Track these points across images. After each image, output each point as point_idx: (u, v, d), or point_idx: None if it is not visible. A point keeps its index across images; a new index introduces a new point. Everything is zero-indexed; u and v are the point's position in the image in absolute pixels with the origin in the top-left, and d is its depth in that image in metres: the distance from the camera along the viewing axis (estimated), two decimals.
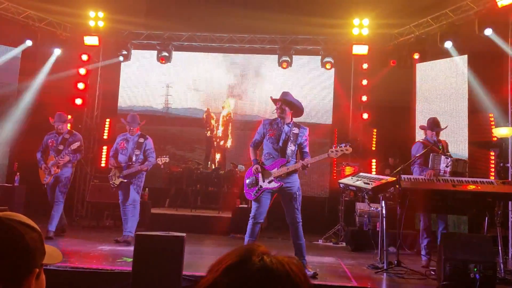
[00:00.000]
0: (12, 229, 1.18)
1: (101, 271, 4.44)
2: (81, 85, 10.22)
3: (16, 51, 9.90)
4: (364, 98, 9.92)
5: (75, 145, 6.69)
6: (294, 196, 4.93)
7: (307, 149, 5.02)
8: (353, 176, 5.93)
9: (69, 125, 7.31)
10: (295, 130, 4.98)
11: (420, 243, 6.04)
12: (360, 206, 7.68)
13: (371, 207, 6.75)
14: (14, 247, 1.16)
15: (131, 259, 4.09)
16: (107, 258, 5.42)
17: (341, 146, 4.95)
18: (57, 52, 10.22)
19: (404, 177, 5.33)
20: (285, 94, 5.11)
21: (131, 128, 6.63)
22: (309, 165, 4.85)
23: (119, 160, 6.58)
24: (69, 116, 7.39)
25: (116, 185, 6.57)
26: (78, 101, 10.16)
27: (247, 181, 5.04)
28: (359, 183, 5.55)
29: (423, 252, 5.89)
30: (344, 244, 7.80)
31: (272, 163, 4.92)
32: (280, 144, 4.92)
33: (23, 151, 8.37)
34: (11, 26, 9.67)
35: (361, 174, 6.00)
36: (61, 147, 6.71)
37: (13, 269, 1.14)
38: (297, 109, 5.11)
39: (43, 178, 6.75)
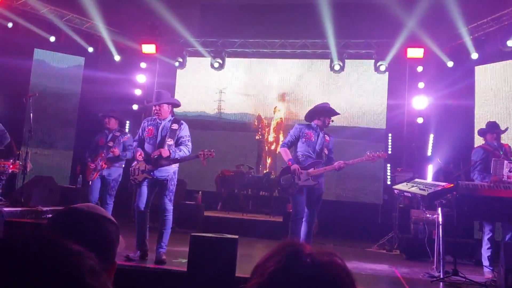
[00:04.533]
0: (98, 215, 1.17)
1: (157, 271, 4.61)
2: (138, 91, 10.66)
3: (80, 59, 10.47)
4: (419, 102, 9.65)
5: (126, 137, 6.38)
6: (320, 197, 5.37)
7: (332, 155, 5.51)
8: (408, 182, 5.81)
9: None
10: (327, 137, 5.48)
11: (482, 253, 5.78)
12: (416, 213, 7.47)
13: (427, 214, 6.55)
14: (101, 233, 1.14)
15: (186, 260, 4.22)
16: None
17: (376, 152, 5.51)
18: (117, 59, 10.70)
19: (461, 183, 5.15)
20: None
21: (158, 108, 5.26)
22: (343, 167, 5.25)
23: (146, 151, 5.30)
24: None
25: (137, 182, 5.31)
26: (135, 107, 10.59)
27: (283, 181, 5.37)
28: (414, 189, 5.42)
29: (485, 263, 5.62)
30: (398, 252, 7.63)
31: (309, 163, 5.29)
32: (317, 147, 5.34)
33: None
34: (74, 36, 10.24)
35: (416, 180, 5.85)
36: (111, 143, 6.34)
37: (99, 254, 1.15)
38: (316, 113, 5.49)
39: (89, 175, 6.31)
